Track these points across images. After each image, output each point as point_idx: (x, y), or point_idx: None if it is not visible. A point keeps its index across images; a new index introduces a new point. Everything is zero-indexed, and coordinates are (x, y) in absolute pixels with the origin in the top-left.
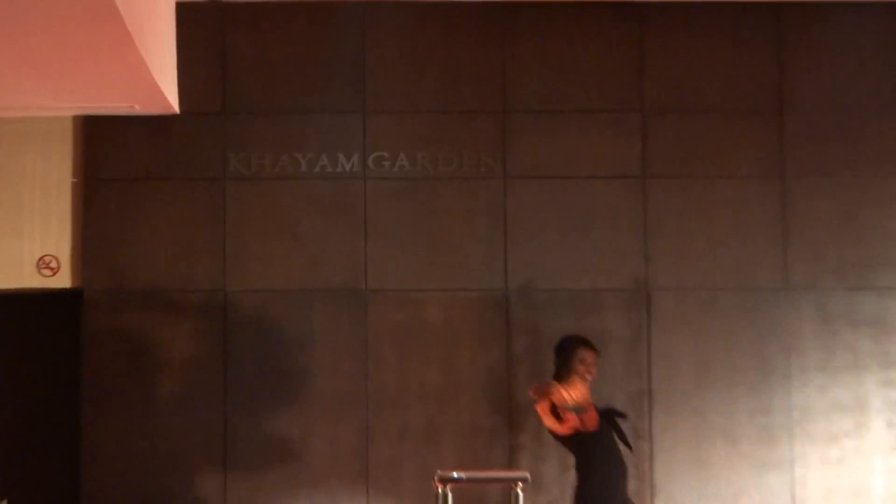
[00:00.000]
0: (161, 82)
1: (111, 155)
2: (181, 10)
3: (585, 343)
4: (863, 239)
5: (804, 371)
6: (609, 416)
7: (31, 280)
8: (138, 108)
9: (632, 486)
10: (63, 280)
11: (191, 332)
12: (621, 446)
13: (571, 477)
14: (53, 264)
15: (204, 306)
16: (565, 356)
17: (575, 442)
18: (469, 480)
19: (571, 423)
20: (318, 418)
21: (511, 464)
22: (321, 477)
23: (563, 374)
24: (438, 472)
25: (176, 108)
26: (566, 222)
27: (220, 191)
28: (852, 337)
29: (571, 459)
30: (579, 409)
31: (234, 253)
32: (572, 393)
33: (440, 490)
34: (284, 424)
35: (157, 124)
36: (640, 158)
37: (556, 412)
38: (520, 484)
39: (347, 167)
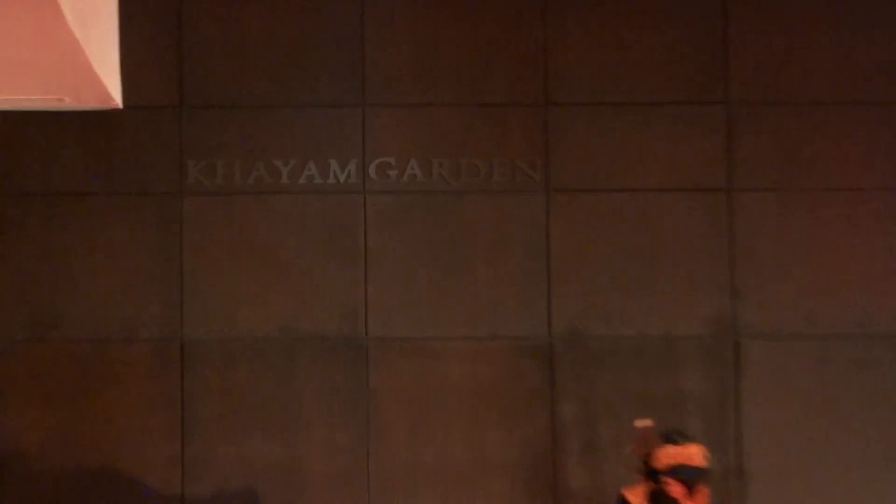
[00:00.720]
0: (99, 67)
1: (32, 162)
2: None
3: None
4: None
5: None
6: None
7: None
8: (68, 102)
9: None
10: None
11: (138, 397)
12: None
13: None
14: None
15: (154, 361)
16: None
17: None
18: None
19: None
20: None
21: None
22: None
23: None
24: None
25: (118, 101)
26: (627, 248)
27: (176, 209)
28: None
29: None
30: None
31: (194, 290)
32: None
33: None
34: None
35: (93, 123)
36: (724, 165)
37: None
38: None
39: (342, 178)
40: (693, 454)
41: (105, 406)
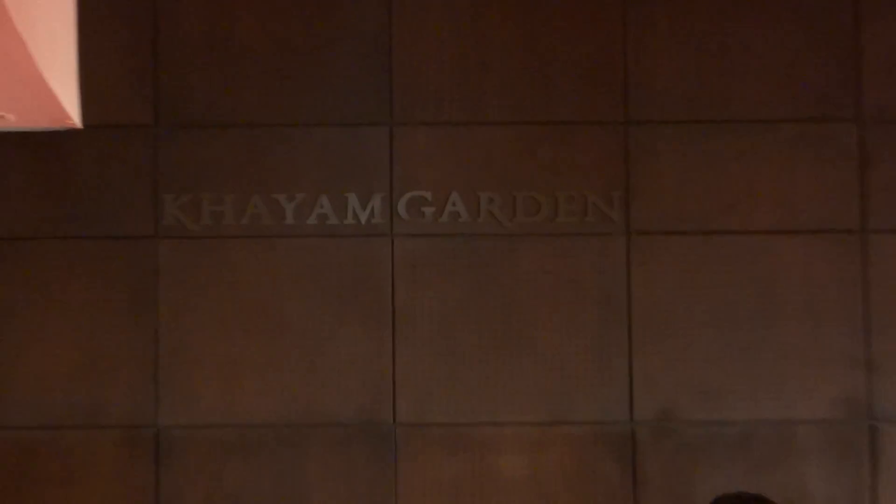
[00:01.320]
0: (51, 78)
1: None
2: None
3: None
4: None
5: None
6: None
7: None
8: (13, 120)
9: None
10: None
11: (101, 498)
12: None
13: None
14: None
15: (123, 453)
16: None
17: None
18: None
19: None
20: None
21: None
22: None
23: None
24: None
25: (76, 119)
26: (731, 307)
27: (151, 256)
28: None
29: None
30: None
31: (173, 361)
32: None
33: None
34: None
35: (47, 148)
36: (856, 199)
37: None
38: None
39: (364, 217)
40: None
41: None
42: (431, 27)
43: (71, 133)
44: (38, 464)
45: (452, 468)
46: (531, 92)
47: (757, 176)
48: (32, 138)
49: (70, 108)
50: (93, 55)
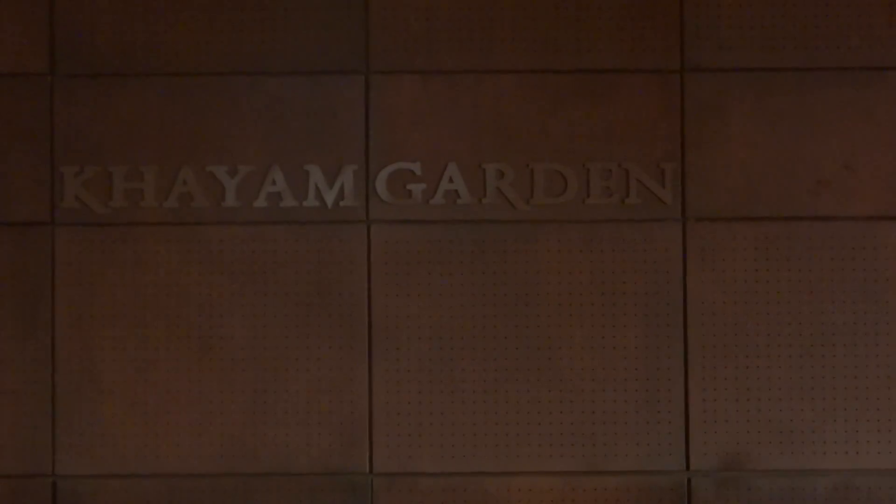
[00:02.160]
0: None
1: None
2: None
3: None
4: None
5: None
6: None
7: None
8: None
9: None
10: None
11: None
12: None
13: None
14: None
15: None
16: None
17: None
18: None
19: None
20: None
21: None
22: None
23: None
24: None
25: None
26: (825, 316)
27: (45, 250)
28: None
29: None
30: None
31: (72, 391)
32: None
33: None
34: None
35: None
36: None
37: None
38: None
39: (330, 198)
40: None
41: None
42: None
43: None
44: None
45: None
46: (556, 30)
47: (859, 143)
48: None
49: None
50: None
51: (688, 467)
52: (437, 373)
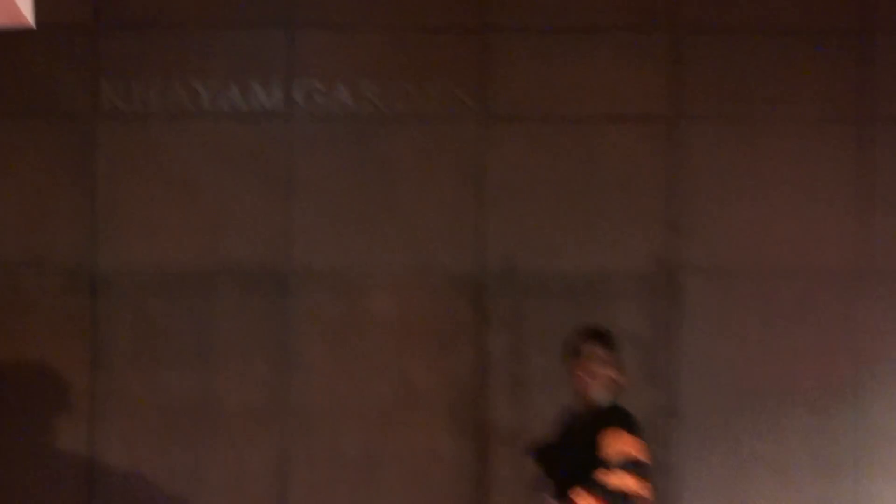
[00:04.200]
0: None
1: None
2: None
3: (591, 336)
4: None
5: (882, 383)
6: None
7: None
8: None
9: None
10: None
11: (46, 328)
12: None
13: None
14: None
15: (64, 291)
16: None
17: None
18: None
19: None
20: (220, 443)
21: None
22: None
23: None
24: None
25: (30, 19)
26: (565, 179)
27: (89, 132)
28: None
29: None
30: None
31: (107, 218)
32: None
33: None
34: (174, 450)
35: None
36: (668, 94)
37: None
38: None
39: (267, 102)
40: (640, 449)
41: (13, 335)
42: None
43: (21, 32)
44: None
45: (335, 307)
46: (409, 2)
47: (589, 74)
48: None
49: (25, 9)
50: None
51: (481, 267)
52: (334, 207)
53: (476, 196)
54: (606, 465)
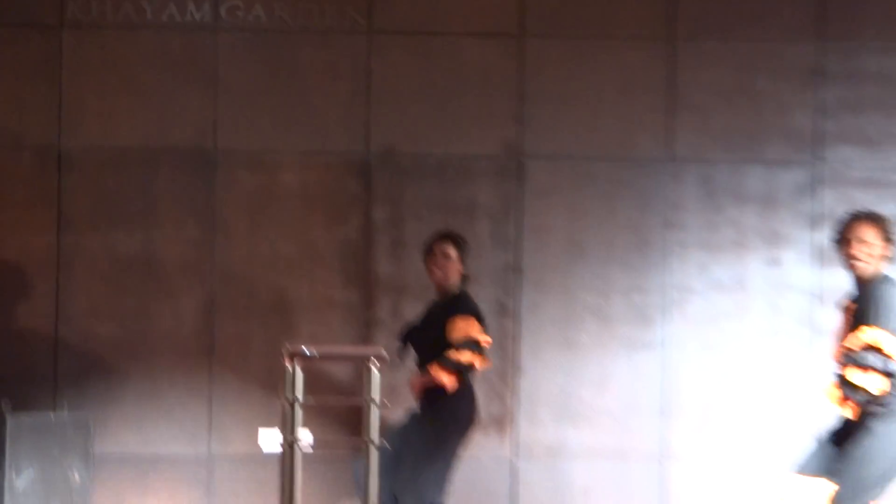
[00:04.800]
0: None
1: None
2: None
3: (443, 237)
4: (753, 109)
5: (684, 247)
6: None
7: None
8: None
9: (495, 364)
10: None
11: (21, 195)
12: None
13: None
14: None
15: (36, 166)
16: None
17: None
18: (321, 357)
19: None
20: (161, 292)
21: (366, 341)
22: (161, 352)
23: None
24: (287, 345)
25: None
26: (436, 83)
27: (56, 39)
28: (737, 213)
29: None
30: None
31: (70, 107)
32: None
33: (289, 367)
34: (124, 298)
35: None
36: (517, 15)
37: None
38: (375, 361)
39: (197, 17)
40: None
41: None
42: None
43: None
44: None
45: (251, 181)
46: None
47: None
48: None
49: None
50: None
51: (368, 151)
52: (251, 101)
53: (364, 95)
54: (453, 345)
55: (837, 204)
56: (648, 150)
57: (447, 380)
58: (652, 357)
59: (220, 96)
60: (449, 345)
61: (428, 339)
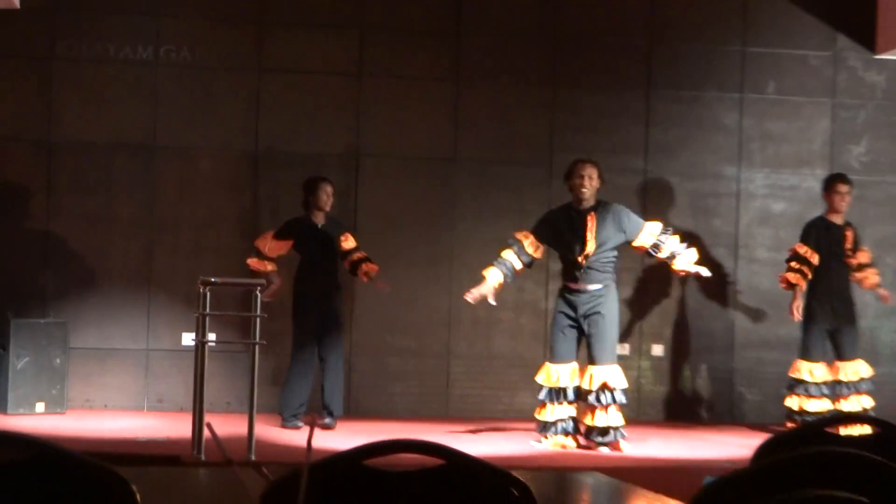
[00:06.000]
0: None
1: None
2: None
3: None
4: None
5: (463, 220)
6: None
7: None
8: None
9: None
10: None
11: (15, 173)
12: None
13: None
14: None
15: (31, 152)
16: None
17: None
18: (222, 284)
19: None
20: (115, 236)
21: (255, 274)
22: (117, 278)
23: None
24: (201, 277)
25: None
26: (303, 104)
27: (48, 67)
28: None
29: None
30: None
31: (57, 113)
32: None
33: (202, 290)
34: (88, 239)
35: None
36: (357, 59)
37: None
38: (259, 288)
39: (144, 55)
40: None
41: None
42: None
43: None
44: None
45: (181, 166)
46: None
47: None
48: None
49: None
50: None
51: (257, 149)
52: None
53: (255, 112)
54: None
55: None
56: (439, 151)
57: None
58: (441, 290)
59: (159, 109)
60: None
61: None
